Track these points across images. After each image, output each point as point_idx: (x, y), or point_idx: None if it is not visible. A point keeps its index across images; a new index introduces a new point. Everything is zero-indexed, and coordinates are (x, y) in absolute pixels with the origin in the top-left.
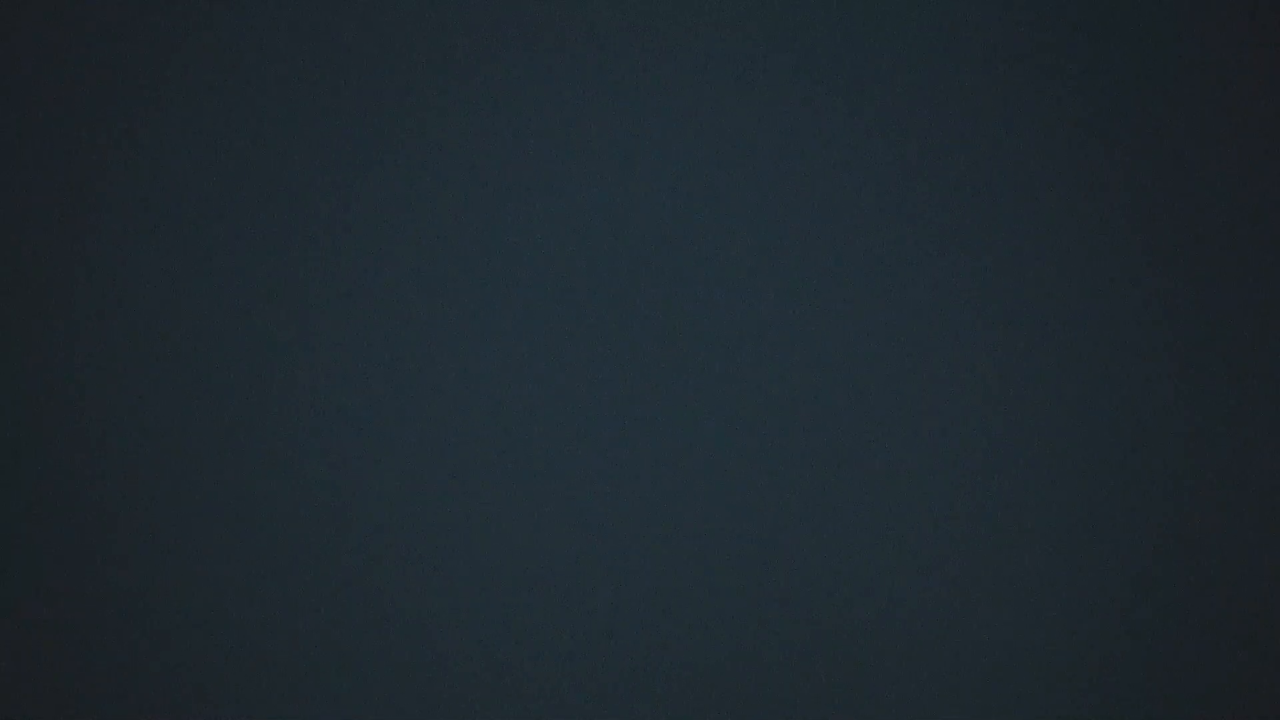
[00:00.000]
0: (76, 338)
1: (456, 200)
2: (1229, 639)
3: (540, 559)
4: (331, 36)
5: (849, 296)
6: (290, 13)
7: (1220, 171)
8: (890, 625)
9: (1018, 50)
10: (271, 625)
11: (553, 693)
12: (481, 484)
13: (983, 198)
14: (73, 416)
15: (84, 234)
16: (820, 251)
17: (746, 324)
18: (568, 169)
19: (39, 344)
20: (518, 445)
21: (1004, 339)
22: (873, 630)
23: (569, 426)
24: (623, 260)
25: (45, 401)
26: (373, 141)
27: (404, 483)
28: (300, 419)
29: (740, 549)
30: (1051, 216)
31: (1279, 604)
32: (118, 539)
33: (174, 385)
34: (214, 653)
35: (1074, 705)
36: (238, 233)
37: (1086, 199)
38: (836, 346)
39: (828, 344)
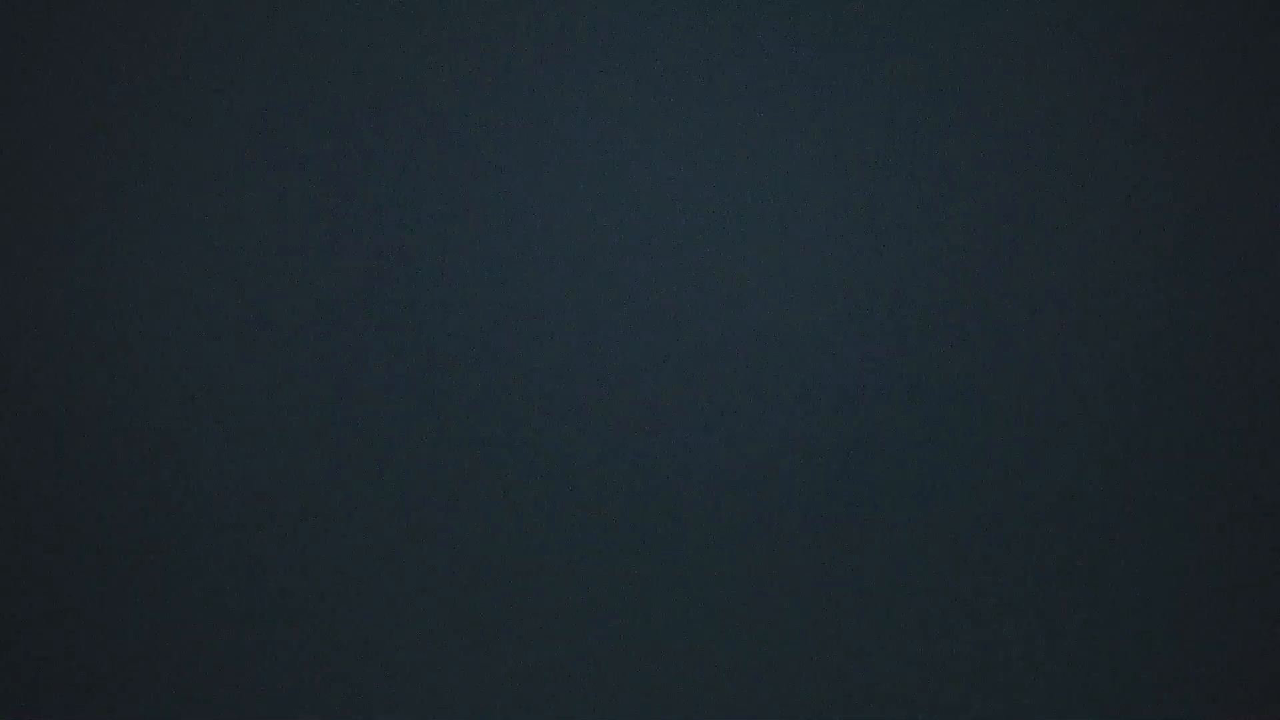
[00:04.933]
0: (74, 336)
1: (457, 196)
2: (1229, 640)
3: (543, 559)
4: (332, 30)
5: (851, 295)
6: (291, 8)
7: (1220, 169)
8: (893, 626)
9: (1023, 46)
10: (271, 623)
11: (555, 693)
12: (482, 483)
13: (984, 196)
14: (71, 414)
15: (81, 232)
16: (820, 249)
17: (744, 322)
18: (565, 167)
19: (36, 337)
20: (518, 445)
21: (1009, 338)
22: (875, 630)
23: (569, 425)
24: (621, 256)
25: (43, 398)
26: (373, 137)
27: (403, 483)
28: (306, 418)
29: (741, 548)
30: (1069, 219)
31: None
32: (116, 535)
33: (172, 382)
34: (210, 649)
35: (1077, 707)
36: (236, 229)
37: (1096, 201)
38: (835, 346)
39: (826, 344)
